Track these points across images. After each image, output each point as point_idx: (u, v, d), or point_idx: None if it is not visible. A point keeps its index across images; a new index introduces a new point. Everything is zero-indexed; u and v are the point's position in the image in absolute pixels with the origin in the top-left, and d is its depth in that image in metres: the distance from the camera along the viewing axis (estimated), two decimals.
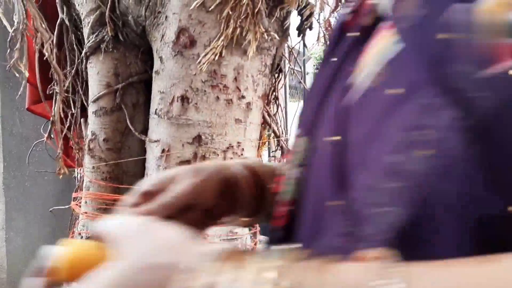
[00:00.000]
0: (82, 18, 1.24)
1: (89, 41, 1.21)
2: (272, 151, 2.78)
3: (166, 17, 1.16)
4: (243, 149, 1.22)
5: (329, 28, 1.26)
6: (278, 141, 1.46)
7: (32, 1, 1.13)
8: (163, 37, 1.16)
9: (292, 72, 1.56)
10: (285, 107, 2.22)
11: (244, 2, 1.10)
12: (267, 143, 1.65)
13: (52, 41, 1.18)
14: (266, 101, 1.34)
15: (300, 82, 1.65)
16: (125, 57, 1.24)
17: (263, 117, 1.36)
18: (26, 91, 1.56)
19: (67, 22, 1.27)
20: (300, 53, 2.22)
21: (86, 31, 1.23)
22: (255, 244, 1.40)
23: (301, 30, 1.29)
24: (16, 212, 2.56)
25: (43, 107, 1.33)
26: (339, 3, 1.23)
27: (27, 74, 1.23)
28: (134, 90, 1.26)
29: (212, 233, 1.18)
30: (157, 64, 1.19)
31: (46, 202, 2.60)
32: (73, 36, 1.30)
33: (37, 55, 1.21)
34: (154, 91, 1.20)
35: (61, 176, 1.28)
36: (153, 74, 1.21)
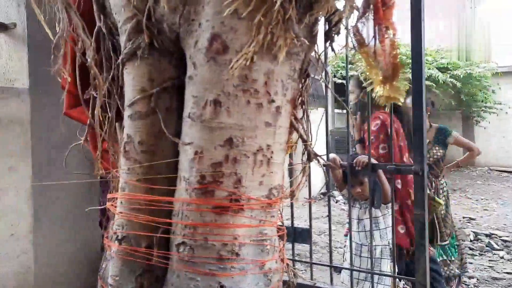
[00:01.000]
0: (119, 26, 1.30)
1: (125, 48, 1.26)
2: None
3: (199, 24, 1.20)
4: (272, 152, 1.26)
5: (357, 34, 1.29)
6: (305, 145, 1.49)
7: (75, 9, 1.19)
8: (197, 43, 1.21)
9: (312, 80, 1.59)
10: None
11: (275, 9, 1.14)
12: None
13: (93, 48, 1.24)
14: (293, 106, 1.38)
15: (326, 87, 1.67)
16: (159, 63, 1.29)
17: (290, 121, 1.39)
18: (57, 97, 1.61)
19: (104, 30, 1.33)
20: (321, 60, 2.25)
21: (122, 38, 1.28)
22: (283, 246, 1.42)
23: (329, 36, 1.32)
24: (44, 216, 2.63)
25: (79, 112, 1.39)
26: (367, 10, 1.26)
27: (68, 79, 1.29)
28: (168, 94, 1.31)
29: (243, 234, 1.22)
30: (190, 70, 1.23)
31: (73, 206, 2.68)
32: (109, 43, 1.35)
33: (78, 61, 1.27)
34: (187, 96, 1.24)
35: (98, 177, 1.34)
36: (186, 79, 1.25)
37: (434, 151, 4.10)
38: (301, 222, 6.11)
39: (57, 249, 2.71)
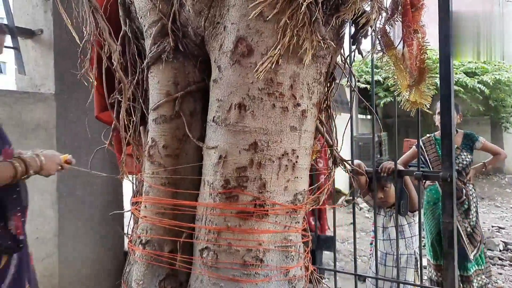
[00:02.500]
0: (144, 30, 1.30)
1: (151, 51, 1.26)
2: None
3: (224, 27, 1.19)
4: (297, 156, 1.23)
5: (384, 36, 1.26)
6: (331, 150, 1.46)
7: (101, 13, 1.20)
8: (222, 46, 1.20)
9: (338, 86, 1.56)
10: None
11: (301, 11, 1.12)
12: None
13: (119, 51, 1.24)
14: (319, 110, 1.35)
15: (353, 90, 1.63)
16: (184, 66, 1.28)
17: (316, 125, 1.37)
18: (82, 102, 1.62)
19: (129, 34, 1.33)
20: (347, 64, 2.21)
21: (148, 42, 1.29)
22: (308, 253, 1.39)
23: (356, 39, 1.29)
24: (69, 220, 2.66)
25: (109, 115, 1.39)
26: (396, 12, 1.23)
27: (94, 83, 1.29)
28: (192, 98, 1.30)
29: (267, 239, 1.19)
30: (215, 73, 1.22)
31: (96, 209, 2.70)
32: (134, 47, 1.36)
33: (104, 65, 1.28)
34: (212, 99, 1.23)
35: (123, 180, 1.33)
36: (211, 83, 1.24)
37: (463, 157, 4.00)
38: None
39: (81, 252, 2.73)
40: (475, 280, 3.79)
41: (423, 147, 4.17)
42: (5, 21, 2.56)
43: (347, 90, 10.36)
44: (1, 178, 1.31)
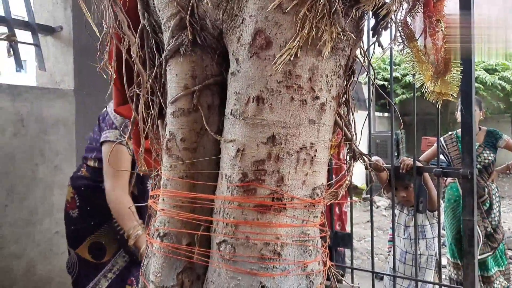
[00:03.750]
0: (162, 23, 1.30)
1: (169, 44, 1.26)
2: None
3: (243, 19, 1.18)
4: (316, 150, 1.22)
5: (405, 28, 1.23)
6: (350, 144, 1.44)
7: (120, 6, 1.20)
8: (240, 39, 1.19)
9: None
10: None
11: (320, 2, 1.11)
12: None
13: (138, 44, 1.24)
14: (338, 103, 1.33)
15: (372, 84, 1.61)
16: (202, 60, 1.28)
17: (335, 119, 1.35)
18: (101, 98, 1.64)
19: (147, 27, 1.34)
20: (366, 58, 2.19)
21: (166, 35, 1.29)
22: (325, 248, 1.38)
23: (376, 30, 1.27)
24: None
25: (128, 109, 1.40)
26: (417, 2, 1.20)
27: (114, 76, 1.30)
28: (210, 91, 1.30)
29: (285, 233, 1.18)
30: (233, 66, 1.22)
31: None
32: (153, 41, 1.36)
33: (124, 58, 1.28)
34: (230, 92, 1.23)
35: (141, 174, 1.34)
36: (229, 76, 1.24)
37: (485, 155, 3.92)
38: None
39: None
40: (497, 282, 3.72)
41: (444, 145, 4.10)
42: (26, 18, 2.60)
43: (364, 88, 10.28)
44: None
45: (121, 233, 2.18)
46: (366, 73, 1.52)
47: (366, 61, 1.43)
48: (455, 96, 1.31)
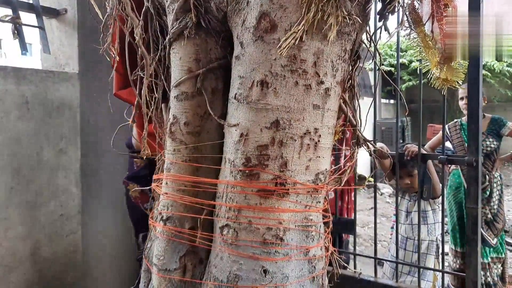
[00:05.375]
0: (166, 5, 1.29)
1: (173, 27, 1.25)
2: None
3: (247, 2, 1.17)
4: (320, 135, 1.21)
5: (413, 12, 1.21)
6: (354, 130, 1.43)
7: None
8: (244, 22, 1.18)
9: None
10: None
11: None
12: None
13: (142, 26, 1.23)
14: (343, 89, 1.32)
15: (378, 69, 1.59)
16: (206, 43, 1.27)
17: (339, 104, 1.34)
18: (105, 81, 1.63)
19: (151, 10, 1.32)
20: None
21: (170, 18, 1.27)
22: (328, 234, 1.38)
23: (383, 15, 1.25)
24: (91, 198, 2.71)
25: (128, 93, 1.40)
26: None
27: (117, 58, 1.29)
28: (214, 75, 1.29)
29: (288, 218, 1.18)
30: (237, 50, 1.21)
31: (119, 188, 2.73)
32: (156, 24, 1.35)
33: (127, 40, 1.27)
34: (234, 76, 1.22)
35: (144, 157, 1.34)
36: (233, 59, 1.23)
37: (488, 143, 3.89)
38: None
39: (104, 230, 2.79)
40: (494, 267, 3.74)
41: (448, 132, 4.08)
42: (30, 1, 2.58)
43: (370, 74, 10.20)
44: None
45: None
46: (372, 58, 1.50)
47: (373, 46, 1.41)
48: (460, 84, 1.29)
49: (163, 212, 1.28)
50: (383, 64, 9.75)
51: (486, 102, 3.99)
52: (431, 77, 1.27)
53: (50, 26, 2.68)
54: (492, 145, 3.88)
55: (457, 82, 1.27)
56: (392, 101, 11.87)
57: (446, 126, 4.02)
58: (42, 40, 2.56)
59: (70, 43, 2.62)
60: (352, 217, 2.68)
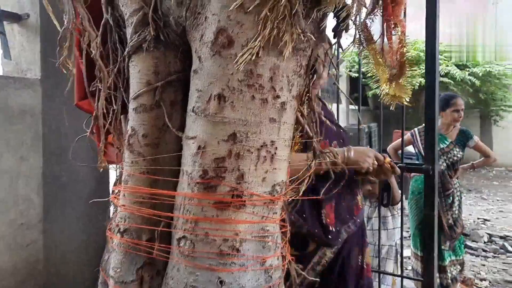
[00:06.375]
0: (126, 18, 1.29)
1: (132, 40, 1.26)
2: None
3: (205, 18, 1.19)
4: (276, 147, 1.24)
5: (365, 30, 1.26)
6: (311, 142, 1.47)
7: (81, 1, 1.19)
8: (202, 37, 1.20)
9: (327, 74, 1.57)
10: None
11: (282, 3, 1.12)
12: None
13: (99, 40, 1.24)
14: (300, 102, 1.36)
15: (334, 83, 1.65)
16: (165, 56, 1.28)
17: (296, 117, 1.38)
18: (70, 88, 1.62)
19: (111, 22, 1.33)
20: (334, 56, 2.22)
21: (129, 30, 1.28)
22: (285, 243, 1.41)
23: (336, 32, 1.30)
24: (54, 206, 2.67)
25: (89, 103, 1.39)
26: (376, 6, 1.23)
27: (73, 71, 1.29)
28: (172, 88, 1.30)
29: (244, 230, 1.21)
30: (195, 63, 1.22)
31: (82, 196, 2.70)
32: (116, 35, 1.35)
33: (84, 52, 1.27)
34: (192, 90, 1.24)
35: (101, 170, 1.34)
36: (191, 73, 1.24)
37: (455, 152, 4.10)
38: None
39: (66, 239, 2.74)
40: (448, 270, 3.91)
41: (417, 137, 4.25)
42: None
43: (341, 80, 10.38)
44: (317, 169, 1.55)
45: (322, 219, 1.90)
46: (335, 69, 1.54)
47: (334, 59, 1.45)
48: (407, 100, 1.35)
49: (120, 224, 1.28)
50: (351, 71, 9.92)
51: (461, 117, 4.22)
52: (379, 93, 1.33)
53: (12, 31, 2.63)
54: (459, 155, 4.11)
55: (405, 99, 1.33)
56: (361, 107, 12.11)
57: (416, 130, 4.24)
58: (3, 45, 2.52)
59: (32, 48, 2.58)
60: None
